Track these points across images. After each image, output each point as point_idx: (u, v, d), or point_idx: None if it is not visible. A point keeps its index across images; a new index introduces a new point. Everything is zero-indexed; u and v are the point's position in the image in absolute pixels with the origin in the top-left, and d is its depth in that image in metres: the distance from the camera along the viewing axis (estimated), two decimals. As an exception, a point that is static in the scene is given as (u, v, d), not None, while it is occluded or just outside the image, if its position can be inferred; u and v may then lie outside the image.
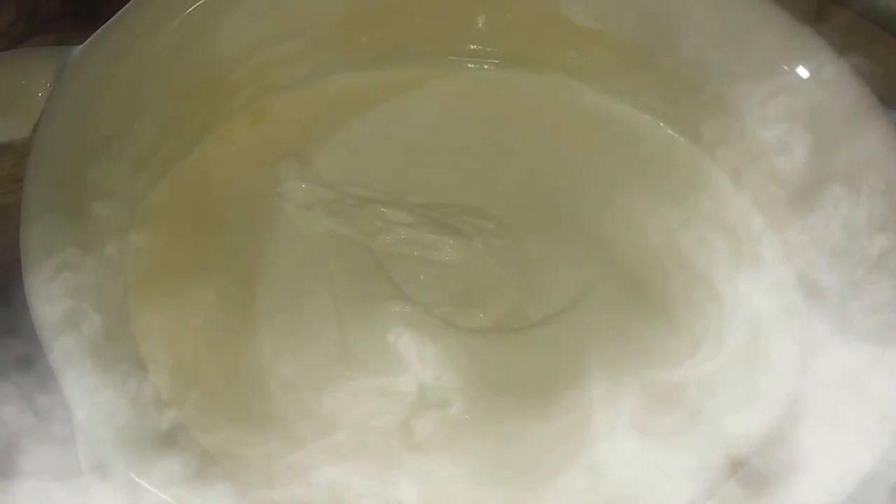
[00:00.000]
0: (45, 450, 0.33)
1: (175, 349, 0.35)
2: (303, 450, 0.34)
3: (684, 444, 0.34)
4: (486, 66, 0.43)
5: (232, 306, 0.37)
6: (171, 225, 0.38)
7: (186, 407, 0.34)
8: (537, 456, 0.35)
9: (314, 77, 0.42)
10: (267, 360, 0.36)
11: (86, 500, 0.32)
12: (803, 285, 0.37)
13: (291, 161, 0.40)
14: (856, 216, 0.36)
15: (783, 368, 0.36)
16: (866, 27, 0.46)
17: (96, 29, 0.37)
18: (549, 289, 0.38)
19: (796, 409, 0.35)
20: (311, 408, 0.35)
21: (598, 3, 0.41)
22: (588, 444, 0.35)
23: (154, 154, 0.38)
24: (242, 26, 0.40)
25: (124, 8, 0.38)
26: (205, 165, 0.40)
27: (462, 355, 0.36)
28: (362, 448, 0.34)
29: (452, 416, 0.35)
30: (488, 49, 0.43)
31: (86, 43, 0.37)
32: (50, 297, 0.32)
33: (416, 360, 0.36)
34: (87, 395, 0.31)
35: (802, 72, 0.38)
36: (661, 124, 0.42)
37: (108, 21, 0.37)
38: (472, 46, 0.43)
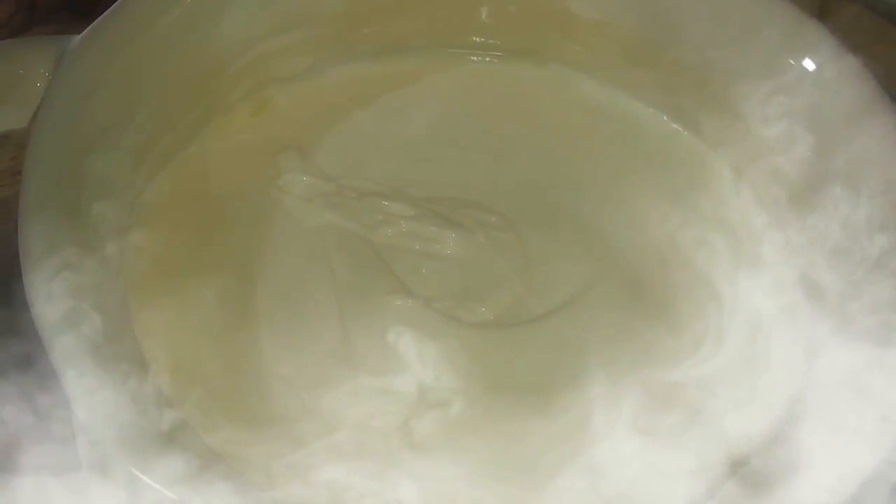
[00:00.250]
0: (45, 449, 0.33)
1: (175, 348, 0.35)
2: (303, 449, 0.34)
3: (684, 444, 0.34)
4: (488, 59, 0.43)
5: (232, 304, 0.37)
6: (171, 219, 0.38)
7: (187, 406, 0.34)
8: (537, 456, 0.35)
9: (315, 69, 0.42)
10: (267, 360, 0.36)
11: (85, 498, 0.32)
12: (803, 285, 0.37)
13: (292, 153, 0.40)
14: (856, 216, 0.36)
15: (783, 368, 0.36)
16: (870, 22, 0.46)
17: (94, 19, 0.37)
18: (551, 283, 0.38)
19: (796, 409, 0.35)
20: (312, 407, 0.35)
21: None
22: (588, 444, 0.35)
23: (153, 146, 0.38)
24: (242, 17, 0.40)
25: None
26: (204, 157, 0.40)
27: (462, 354, 0.36)
28: (362, 448, 0.34)
29: (452, 415, 0.35)
30: (491, 41, 0.43)
31: (84, 33, 0.37)
32: (50, 297, 0.32)
33: (416, 359, 0.36)
34: (87, 394, 0.31)
35: (808, 64, 0.38)
36: (665, 118, 0.42)
37: (107, 10, 0.37)
38: (474, 39, 0.43)
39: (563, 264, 0.39)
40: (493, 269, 0.39)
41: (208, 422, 0.34)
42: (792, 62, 0.39)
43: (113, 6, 0.37)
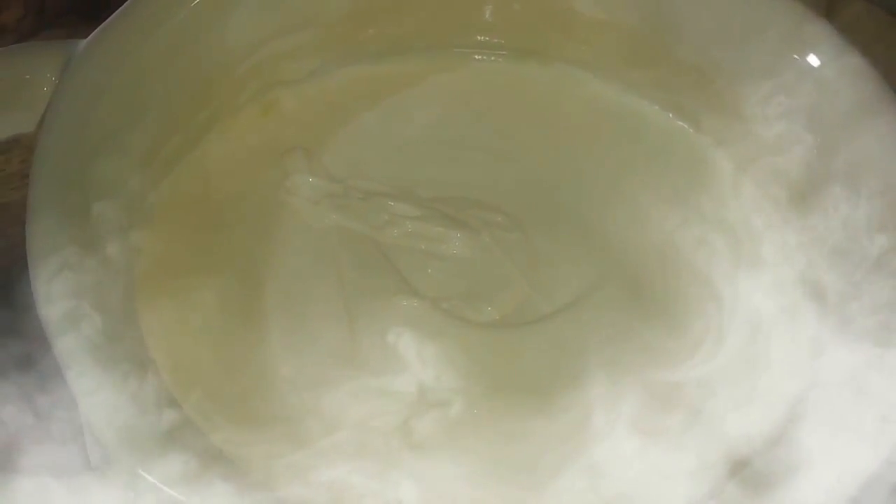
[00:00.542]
0: (45, 449, 0.33)
1: (176, 348, 0.35)
2: (303, 449, 0.34)
3: (684, 444, 0.34)
4: (493, 59, 0.43)
5: (234, 305, 0.37)
6: (177, 220, 0.38)
7: (187, 406, 0.34)
8: (537, 456, 0.35)
9: (321, 71, 0.42)
10: (268, 360, 0.36)
11: (86, 498, 0.32)
12: (803, 285, 0.37)
13: (298, 155, 0.40)
14: (856, 216, 0.36)
15: (783, 368, 0.36)
16: (871, 22, 0.46)
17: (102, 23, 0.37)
18: (556, 283, 0.38)
19: (796, 409, 0.35)
20: (312, 407, 0.35)
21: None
22: (588, 444, 0.34)
23: (161, 148, 0.38)
24: (248, 20, 0.40)
25: (129, 1, 0.37)
26: (211, 159, 0.40)
27: (463, 353, 0.36)
28: (363, 448, 0.34)
29: (452, 415, 0.35)
30: (495, 41, 0.43)
31: (90, 37, 0.37)
32: (54, 296, 0.32)
33: (417, 359, 0.36)
34: (88, 393, 0.31)
35: (812, 60, 0.38)
36: (668, 116, 0.42)
37: (114, 14, 0.37)
38: (479, 38, 0.43)
39: (568, 264, 0.39)
40: (498, 269, 0.39)
41: (209, 422, 0.34)
42: (796, 57, 0.39)
43: (118, 10, 0.37)
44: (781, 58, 0.39)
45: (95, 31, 0.37)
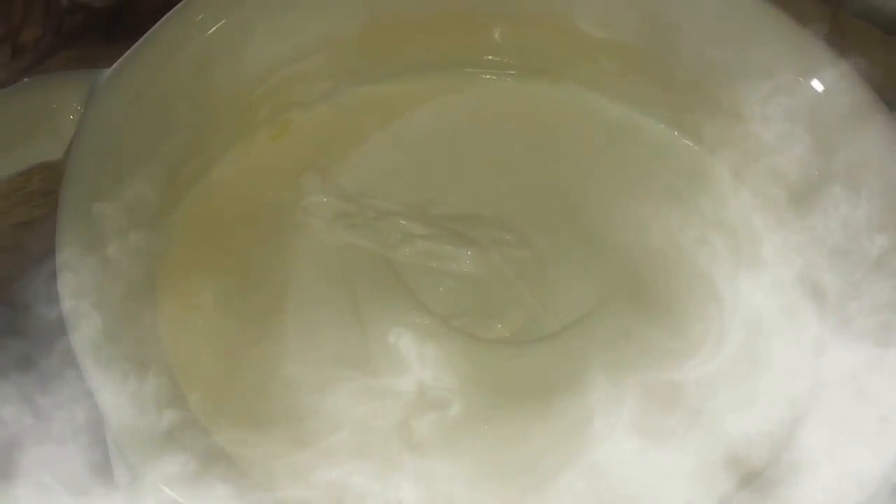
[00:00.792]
0: (46, 450, 0.33)
1: (177, 349, 0.35)
2: (304, 450, 0.34)
3: (684, 445, 0.34)
4: (502, 78, 0.43)
5: (238, 307, 0.38)
6: (191, 238, 0.39)
7: (187, 407, 0.34)
8: (537, 456, 0.35)
9: (333, 92, 0.42)
10: (270, 361, 0.36)
11: (85, 499, 0.32)
12: (803, 285, 0.37)
13: (313, 175, 0.40)
14: (856, 216, 0.36)
15: (783, 368, 0.36)
16: (865, 28, 0.46)
17: (121, 42, 0.38)
18: (564, 300, 0.39)
19: (797, 409, 0.35)
20: (313, 408, 0.35)
21: (612, 15, 0.41)
22: (588, 445, 0.34)
23: (179, 172, 0.39)
24: (263, 46, 0.40)
25: (149, 32, 0.38)
26: (227, 180, 0.40)
27: (462, 362, 0.37)
28: (363, 449, 0.34)
29: (452, 416, 0.35)
30: (504, 60, 0.43)
31: (114, 66, 0.37)
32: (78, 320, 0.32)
33: (416, 363, 0.36)
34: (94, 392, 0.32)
35: (811, 78, 0.39)
36: (673, 130, 0.42)
37: (135, 45, 0.38)
38: (488, 58, 0.43)
39: (576, 280, 0.39)
40: (507, 286, 0.39)
41: (209, 422, 0.34)
42: (790, 73, 0.39)
43: (138, 42, 0.38)
44: (778, 66, 0.39)
45: (118, 61, 0.37)
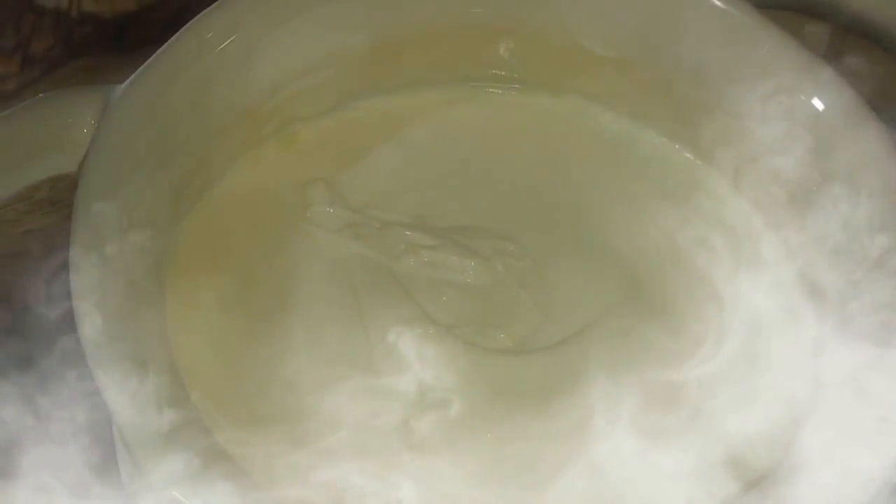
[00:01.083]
0: (45, 450, 0.33)
1: (177, 349, 0.35)
2: (304, 450, 0.34)
3: (684, 444, 0.34)
4: (507, 92, 0.44)
5: (239, 308, 0.38)
6: (197, 248, 0.39)
7: (187, 406, 0.34)
8: (537, 456, 0.35)
9: (340, 105, 0.42)
10: (270, 361, 0.36)
11: (85, 499, 0.32)
12: (803, 285, 0.37)
13: (319, 186, 0.41)
14: (856, 216, 0.36)
15: (783, 368, 0.36)
16: (855, 41, 0.46)
17: (130, 53, 0.39)
18: (568, 310, 0.39)
19: (796, 409, 0.35)
20: (312, 408, 0.35)
21: (613, 32, 0.41)
22: (588, 444, 0.34)
23: (187, 183, 0.39)
24: (271, 62, 0.40)
25: (160, 49, 0.39)
26: (234, 191, 0.41)
27: (465, 371, 0.37)
28: (362, 448, 0.34)
29: (452, 416, 0.35)
30: (509, 74, 0.43)
31: (126, 82, 0.38)
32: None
33: (417, 361, 0.36)
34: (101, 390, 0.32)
35: (805, 83, 0.39)
36: (676, 146, 0.42)
37: (147, 61, 0.38)
38: (493, 72, 0.43)
39: (579, 289, 0.39)
40: (511, 297, 0.39)
41: (209, 422, 0.34)
42: (799, 94, 0.39)
43: (150, 59, 0.38)
44: (775, 75, 0.39)
45: (131, 77, 0.38)
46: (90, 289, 0.34)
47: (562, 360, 0.37)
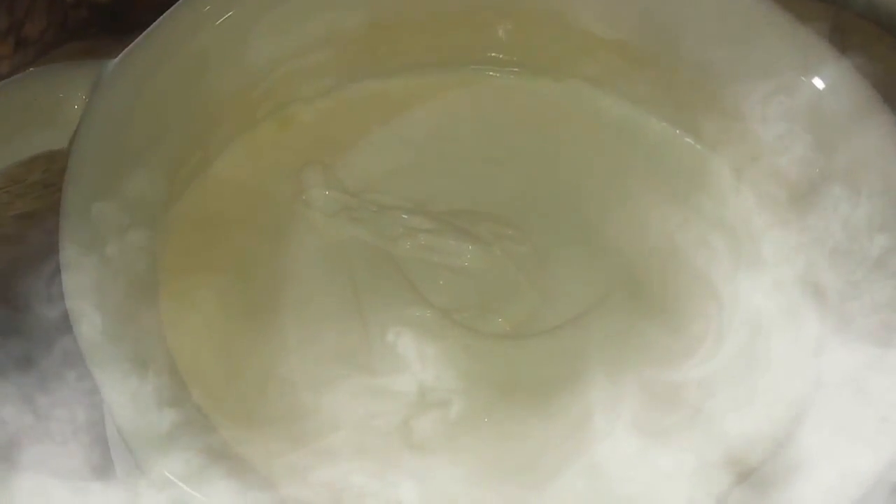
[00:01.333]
0: (45, 449, 0.33)
1: (176, 348, 0.35)
2: (303, 449, 0.34)
3: (684, 444, 0.34)
4: (506, 75, 0.43)
5: (238, 305, 0.38)
6: (192, 230, 0.39)
7: (187, 406, 0.34)
8: (537, 455, 0.35)
9: (337, 86, 0.42)
10: (270, 360, 0.36)
11: (85, 498, 0.32)
12: (803, 285, 0.37)
13: (316, 168, 0.40)
14: (856, 216, 0.36)
15: (783, 368, 0.36)
16: (866, 26, 0.46)
17: (124, 36, 0.38)
18: (565, 294, 0.39)
19: (796, 409, 0.35)
20: (312, 407, 0.35)
21: (614, 14, 0.41)
22: (588, 444, 0.35)
23: (181, 165, 0.39)
24: (268, 40, 0.40)
25: (155, 23, 0.38)
26: (230, 173, 0.40)
27: (465, 358, 0.37)
28: (362, 448, 0.34)
29: (452, 415, 0.35)
30: (509, 58, 0.43)
31: (119, 57, 0.37)
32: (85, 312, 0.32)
33: (417, 360, 0.36)
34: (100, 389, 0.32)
35: (812, 76, 0.39)
36: (674, 128, 0.42)
37: (140, 36, 0.38)
38: (492, 55, 0.43)
39: (577, 275, 0.39)
40: (509, 281, 0.39)
41: (208, 422, 0.34)
42: (799, 76, 0.39)
43: (144, 33, 0.38)
44: (779, 64, 0.39)
45: (123, 52, 0.38)
46: (81, 283, 0.33)
47: (560, 345, 0.37)
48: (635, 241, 0.40)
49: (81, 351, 0.32)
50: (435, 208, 0.40)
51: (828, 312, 0.36)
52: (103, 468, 0.34)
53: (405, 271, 0.39)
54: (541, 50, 0.43)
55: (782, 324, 0.37)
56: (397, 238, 0.39)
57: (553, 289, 0.39)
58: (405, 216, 0.40)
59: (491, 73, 0.43)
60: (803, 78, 0.38)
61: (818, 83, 0.38)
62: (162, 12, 0.39)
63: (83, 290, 0.33)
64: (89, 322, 0.33)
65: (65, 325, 0.33)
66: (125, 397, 0.32)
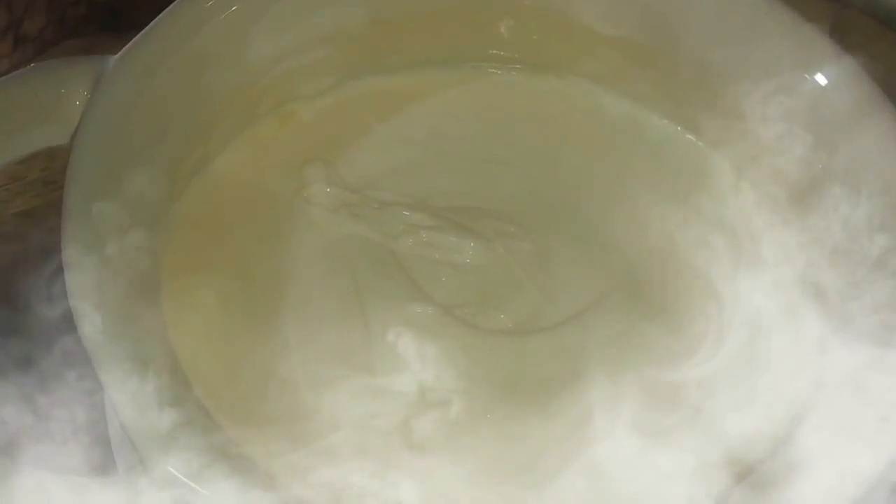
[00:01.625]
0: (45, 449, 0.33)
1: (176, 348, 0.35)
2: (303, 449, 0.34)
3: (684, 444, 0.34)
4: (507, 72, 0.43)
5: (238, 305, 0.38)
6: (193, 227, 0.39)
7: (187, 406, 0.34)
8: (537, 455, 0.35)
9: (338, 83, 0.42)
10: (270, 360, 0.36)
11: (85, 498, 0.32)
12: (803, 285, 0.37)
13: (317, 165, 0.40)
14: (856, 216, 0.36)
15: (783, 368, 0.36)
16: (869, 24, 0.46)
17: (123, 34, 0.38)
18: (566, 291, 0.39)
19: (796, 409, 0.35)
20: (312, 407, 0.35)
21: (616, 11, 0.41)
22: (588, 444, 0.34)
23: (184, 160, 0.39)
24: (268, 37, 0.40)
25: (156, 19, 0.38)
26: (231, 170, 0.40)
27: (465, 357, 0.37)
28: (362, 448, 0.34)
29: (452, 415, 0.35)
30: (510, 55, 0.43)
31: (121, 53, 0.37)
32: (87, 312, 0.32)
33: (417, 360, 0.36)
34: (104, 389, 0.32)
35: (814, 73, 0.39)
36: (675, 125, 0.42)
37: (141, 32, 0.38)
38: (493, 52, 0.43)
39: (578, 272, 0.39)
40: (511, 277, 0.39)
41: (209, 422, 0.34)
42: (800, 72, 0.39)
43: (145, 29, 0.38)
44: (780, 61, 0.39)
45: (124, 48, 0.37)
46: (83, 283, 0.33)
47: (561, 342, 0.37)
48: (636, 240, 0.40)
49: (85, 350, 0.32)
50: (436, 205, 0.40)
51: (828, 312, 0.36)
52: (103, 467, 0.34)
53: (406, 268, 0.39)
54: (542, 47, 0.43)
55: (782, 324, 0.37)
56: (398, 235, 0.39)
57: (554, 286, 0.39)
58: (406, 213, 0.40)
59: (492, 70, 0.43)
60: (805, 76, 0.39)
61: (820, 81, 0.38)
62: (161, 10, 0.38)
63: (85, 290, 0.33)
64: (91, 322, 0.33)
65: (65, 325, 0.33)
66: (127, 397, 0.32)
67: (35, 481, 0.32)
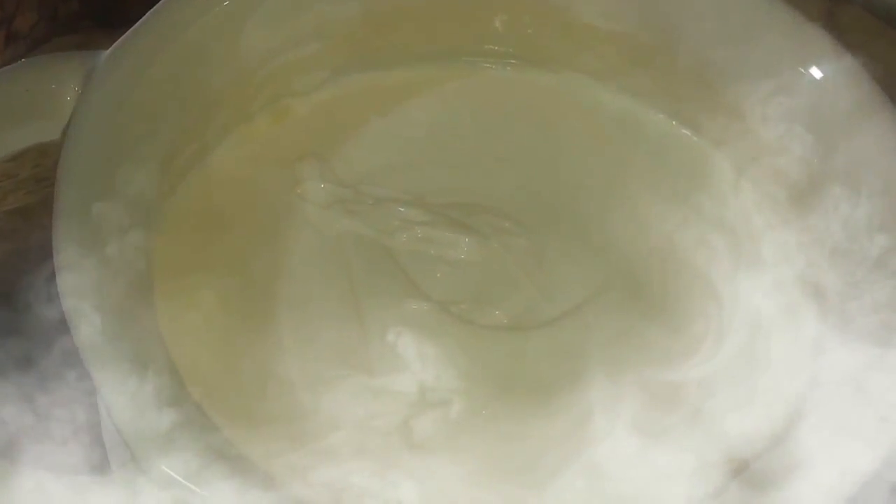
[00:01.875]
0: (45, 449, 0.33)
1: (176, 348, 0.35)
2: (303, 449, 0.34)
3: (684, 444, 0.34)
4: (502, 67, 0.43)
5: (237, 304, 0.37)
6: (187, 224, 0.39)
7: (186, 406, 0.34)
8: (537, 455, 0.35)
9: (332, 79, 0.42)
10: (269, 359, 0.36)
11: (85, 498, 0.32)
12: (803, 285, 0.37)
13: (311, 161, 0.40)
14: (856, 216, 0.36)
15: (783, 368, 0.36)
16: (869, 22, 0.46)
17: (115, 30, 0.38)
18: (563, 287, 0.39)
19: (796, 409, 0.35)
20: (312, 407, 0.35)
21: (614, 5, 0.41)
22: (588, 444, 0.35)
23: (177, 156, 0.39)
24: (262, 32, 0.40)
25: (148, 13, 0.38)
26: (224, 166, 0.40)
27: (464, 355, 0.37)
28: (362, 448, 0.34)
29: (452, 415, 0.35)
30: (505, 49, 0.43)
31: (112, 48, 0.37)
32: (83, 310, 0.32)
33: (418, 359, 0.36)
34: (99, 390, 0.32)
35: (812, 66, 0.38)
36: (674, 123, 0.42)
37: (133, 26, 0.38)
38: (488, 47, 0.43)
39: (575, 268, 0.39)
40: (506, 273, 0.39)
41: (208, 422, 0.34)
42: (794, 61, 0.39)
43: (137, 24, 0.38)
44: (781, 59, 0.39)
45: (116, 43, 0.37)
46: (78, 284, 0.33)
47: (559, 339, 0.37)
48: (634, 240, 0.40)
49: (80, 352, 0.32)
50: (431, 201, 0.40)
51: (827, 312, 0.36)
52: (103, 468, 0.34)
53: (402, 264, 0.39)
54: (538, 42, 0.43)
55: (782, 324, 0.37)
56: (394, 231, 0.39)
57: (551, 281, 0.39)
58: (401, 209, 0.40)
59: (487, 65, 0.43)
60: (805, 75, 0.38)
61: (820, 80, 0.38)
62: (153, 5, 0.38)
63: (80, 291, 0.33)
64: (88, 323, 0.33)
65: (65, 325, 0.33)
66: (125, 397, 0.32)
67: (35, 481, 0.32)
